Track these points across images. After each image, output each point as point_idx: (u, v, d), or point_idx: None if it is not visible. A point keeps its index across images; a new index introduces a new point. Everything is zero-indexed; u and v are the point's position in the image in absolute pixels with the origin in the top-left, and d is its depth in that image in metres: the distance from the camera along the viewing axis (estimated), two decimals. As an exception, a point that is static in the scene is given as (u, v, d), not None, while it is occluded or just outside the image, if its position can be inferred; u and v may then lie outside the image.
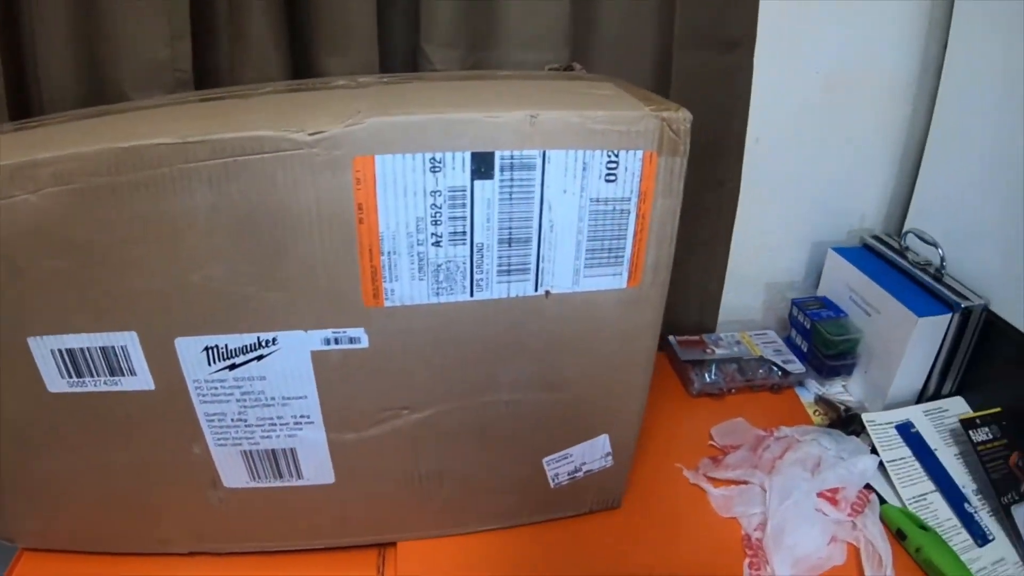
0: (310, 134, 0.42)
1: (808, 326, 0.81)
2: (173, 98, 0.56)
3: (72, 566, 0.58)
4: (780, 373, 0.79)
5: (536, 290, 0.49)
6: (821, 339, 0.79)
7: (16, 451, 0.52)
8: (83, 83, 0.63)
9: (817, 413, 0.77)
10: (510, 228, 0.46)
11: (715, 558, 0.59)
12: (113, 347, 0.47)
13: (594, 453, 0.57)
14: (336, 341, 0.47)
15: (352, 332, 0.47)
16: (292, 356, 0.47)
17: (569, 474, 0.58)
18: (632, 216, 0.48)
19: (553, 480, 0.58)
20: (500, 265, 0.47)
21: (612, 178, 0.46)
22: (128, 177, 0.42)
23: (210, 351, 0.47)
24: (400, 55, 0.71)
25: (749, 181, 0.78)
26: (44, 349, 0.48)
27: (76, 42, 0.62)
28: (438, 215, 0.45)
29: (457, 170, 0.44)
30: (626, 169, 0.46)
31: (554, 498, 0.59)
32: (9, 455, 0.52)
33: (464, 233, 0.46)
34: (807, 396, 0.80)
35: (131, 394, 0.49)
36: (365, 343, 0.47)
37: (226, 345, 0.47)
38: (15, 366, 0.49)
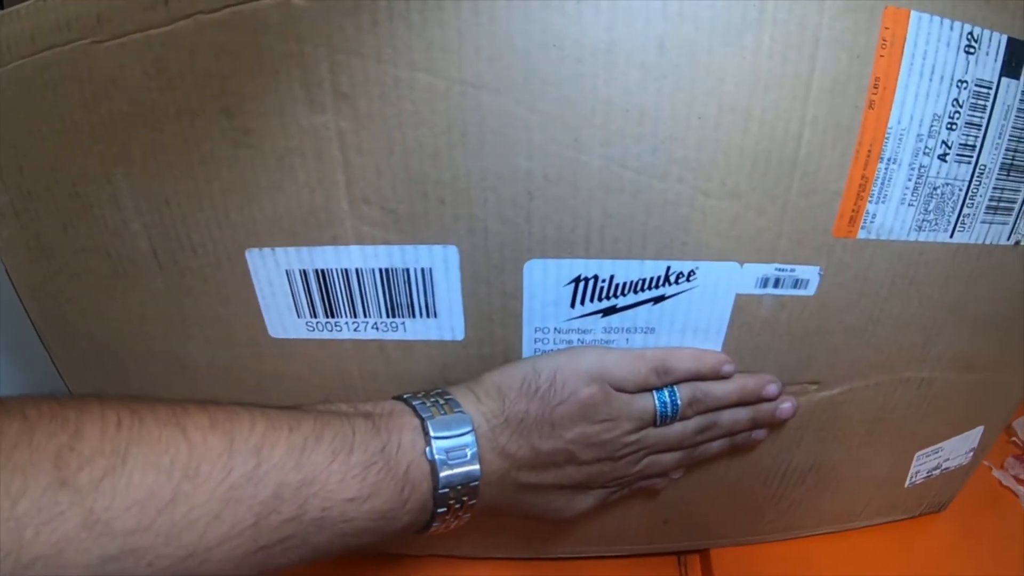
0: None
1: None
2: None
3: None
4: None
5: (1008, 239, 0.31)
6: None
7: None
8: None
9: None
10: (1016, 150, 0.29)
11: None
12: (408, 270, 0.28)
13: (961, 448, 0.40)
14: (776, 283, 0.29)
15: (802, 272, 0.29)
16: (708, 300, 0.29)
17: (928, 472, 0.41)
18: None
19: (910, 479, 0.40)
20: (992, 198, 0.30)
21: None
22: None
23: (582, 284, 0.29)
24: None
25: None
26: (274, 269, 0.29)
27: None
28: (956, 116, 0.27)
29: (990, 57, 0.27)
30: None
31: (899, 500, 0.42)
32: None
33: (973, 148, 0.28)
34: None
35: (413, 347, 0.30)
36: (812, 289, 0.29)
37: (611, 277, 0.29)
38: (219, 294, 0.30)
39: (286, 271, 0.31)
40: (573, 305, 0.29)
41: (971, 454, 0.41)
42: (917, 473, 0.41)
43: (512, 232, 0.27)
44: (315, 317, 0.32)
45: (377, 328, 0.31)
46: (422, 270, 0.28)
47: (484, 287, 0.28)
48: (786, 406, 0.32)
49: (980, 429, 0.40)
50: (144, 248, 0.32)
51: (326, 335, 0.32)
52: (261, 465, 0.23)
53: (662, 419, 0.30)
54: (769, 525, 0.40)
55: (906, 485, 0.41)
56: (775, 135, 0.26)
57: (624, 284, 0.29)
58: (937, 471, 0.41)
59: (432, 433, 0.26)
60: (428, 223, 0.27)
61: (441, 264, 0.28)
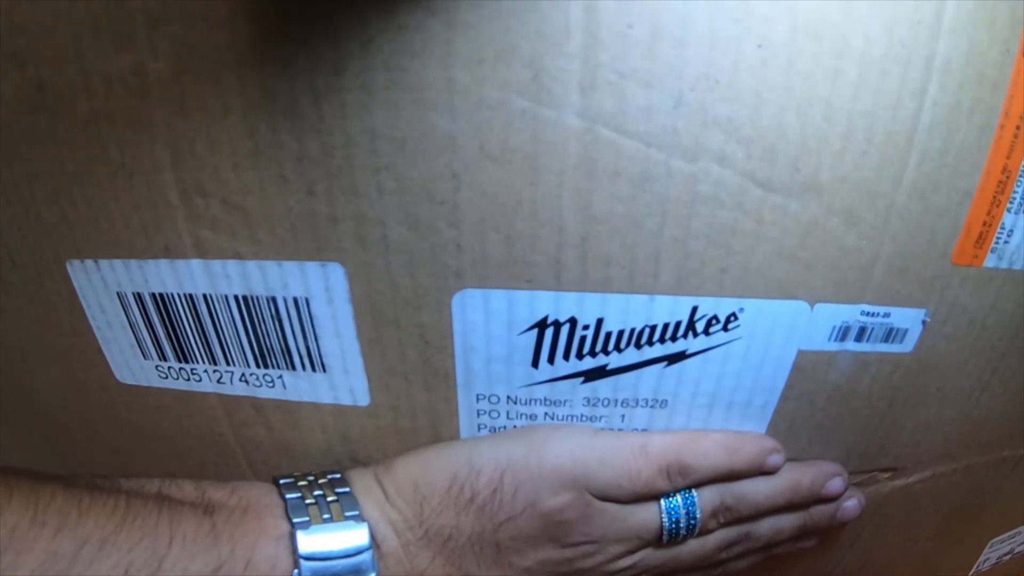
0: None
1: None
2: None
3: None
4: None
5: None
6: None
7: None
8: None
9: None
10: None
11: None
12: (275, 300, 0.16)
13: (1042, 528, 0.29)
14: (860, 334, 0.17)
15: (899, 318, 0.17)
16: (755, 360, 0.17)
17: (998, 558, 0.29)
18: None
19: (978, 566, 0.29)
20: None
21: None
22: None
23: (550, 332, 0.16)
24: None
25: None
26: (103, 290, 0.18)
27: None
28: None
29: None
30: None
31: (958, 590, 0.30)
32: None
33: None
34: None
35: (299, 410, 0.19)
36: (910, 343, 0.17)
37: (598, 322, 0.16)
38: (49, 320, 0.19)
39: (117, 294, 0.19)
40: (536, 363, 0.17)
41: (1051, 534, 0.30)
42: (986, 561, 0.29)
43: (428, 244, 0.14)
44: (165, 360, 0.20)
45: (246, 381, 0.19)
46: (295, 300, 0.16)
47: (392, 331, 0.16)
48: (850, 504, 0.20)
49: (1069, 506, 0.28)
50: (-37, 258, 0.20)
51: (183, 385, 0.20)
52: None
53: (671, 537, 0.18)
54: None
55: (970, 574, 0.29)
56: (885, 86, 0.14)
57: (620, 334, 0.16)
58: (1008, 556, 0.30)
59: (301, 551, 0.15)
60: (293, 227, 0.15)
61: (321, 292, 0.16)
